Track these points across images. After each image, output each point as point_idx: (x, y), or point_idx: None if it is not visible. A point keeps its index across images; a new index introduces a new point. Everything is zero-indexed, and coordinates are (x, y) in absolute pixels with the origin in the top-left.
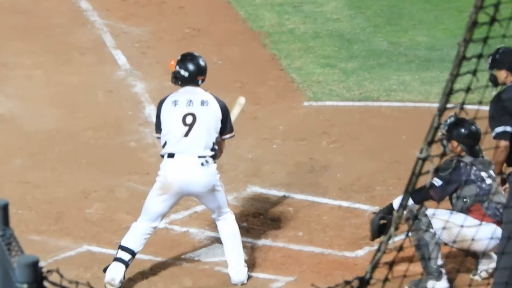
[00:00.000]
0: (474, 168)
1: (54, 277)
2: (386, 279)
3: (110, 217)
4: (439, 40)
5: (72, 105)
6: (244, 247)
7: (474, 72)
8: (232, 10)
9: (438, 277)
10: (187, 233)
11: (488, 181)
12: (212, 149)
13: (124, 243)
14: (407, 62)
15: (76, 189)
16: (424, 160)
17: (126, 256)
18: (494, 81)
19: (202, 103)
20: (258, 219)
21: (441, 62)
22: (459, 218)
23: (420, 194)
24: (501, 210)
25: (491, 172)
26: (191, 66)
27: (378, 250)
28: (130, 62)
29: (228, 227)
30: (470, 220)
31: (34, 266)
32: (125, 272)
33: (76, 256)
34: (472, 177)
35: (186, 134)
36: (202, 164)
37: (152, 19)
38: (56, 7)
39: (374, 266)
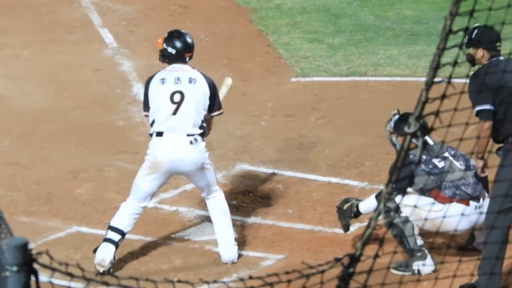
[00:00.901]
0: (424, 157)
1: (44, 259)
2: (376, 256)
3: (99, 197)
4: (426, 14)
5: (60, 84)
6: (234, 225)
7: (460, 46)
8: None
9: (422, 257)
10: (177, 212)
11: (441, 164)
12: (201, 127)
13: (113, 223)
14: (394, 36)
15: (65, 169)
16: (412, 135)
17: (115, 237)
18: (471, 60)
19: (190, 80)
20: (248, 196)
21: (428, 36)
22: (426, 201)
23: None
24: (462, 187)
25: (445, 154)
26: (178, 43)
27: (368, 226)
28: (117, 40)
29: (218, 205)
30: (437, 204)
31: (23, 248)
32: (115, 252)
33: (65, 237)
34: (422, 166)
35: (175, 112)
36: (191, 142)
37: None
38: None
39: (364, 243)
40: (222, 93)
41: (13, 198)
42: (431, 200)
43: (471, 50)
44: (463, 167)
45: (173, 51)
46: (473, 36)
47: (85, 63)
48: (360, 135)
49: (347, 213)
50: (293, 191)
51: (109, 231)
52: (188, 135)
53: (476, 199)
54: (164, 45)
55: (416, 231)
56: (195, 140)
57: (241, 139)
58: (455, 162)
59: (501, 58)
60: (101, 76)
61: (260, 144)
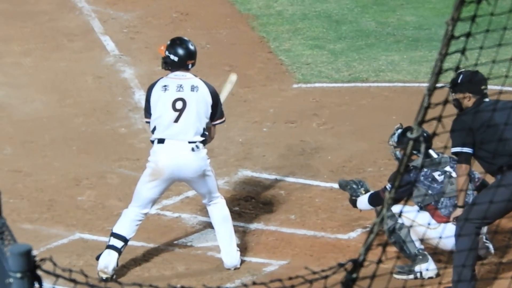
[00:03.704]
0: (425, 169)
1: (47, 266)
2: (379, 261)
3: (101, 204)
4: (427, 19)
5: (62, 92)
6: (237, 231)
7: (463, 51)
8: None
9: (423, 260)
10: (179, 219)
11: (440, 178)
12: (203, 135)
13: (116, 230)
14: (395, 42)
15: (67, 177)
16: (415, 140)
17: (118, 243)
18: (458, 105)
19: (192, 88)
20: (250, 202)
21: (429, 41)
22: (424, 217)
23: (376, 199)
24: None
25: (447, 168)
26: (180, 51)
27: (371, 232)
28: (119, 47)
29: (219, 212)
30: (433, 223)
31: (27, 255)
32: (118, 259)
33: (68, 244)
34: (421, 178)
35: (176, 120)
36: (193, 149)
37: (140, 4)
38: None
39: (367, 248)
40: (226, 90)
41: (15, 205)
42: (427, 218)
43: (457, 95)
44: None
45: (176, 58)
46: (459, 81)
47: (87, 71)
48: (362, 141)
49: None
50: (295, 197)
51: (112, 238)
52: (189, 142)
53: None
54: (167, 53)
55: (415, 237)
56: (197, 147)
57: (243, 145)
58: (455, 176)
59: (487, 100)
60: (102, 83)
61: (262, 151)
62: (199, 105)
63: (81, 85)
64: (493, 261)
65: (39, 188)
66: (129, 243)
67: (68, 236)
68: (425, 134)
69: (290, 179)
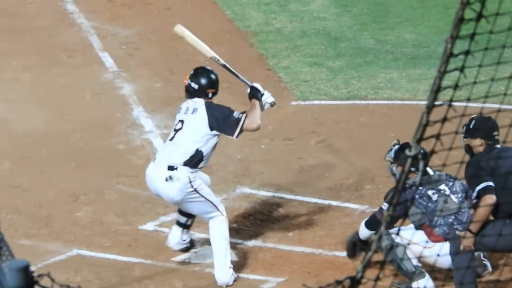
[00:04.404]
0: (421, 188)
1: (44, 281)
2: (377, 279)
3: (99, 220)
4: (426, 37)
5: (60, 108)
6: (235, 248)
7: (461, 69)
8: (218, 10)
9: (420, 275)
10: None
11: (435, 197)
12: (192, 157)
13: None
14: (394, 60)
15: (65, 192)
16: (413, 158)
17: (182, 219)
18: (469, 150)
19: (193, 111)
20: (248, 219)
21: (428, 59)
22: (420, 236)
23: (374, 222)
24: (454, 226)
25: (441, 186)
26: (201, 79)
27: (369, 249)
28: (117, 63)
29: (217, 229)
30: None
31: (25, 271)
32: (182, 232)
33: (66, 260)
34: (417, 196)
35: (172, 139)
36: (166, 179)
37: (139, 20)
38: (43, 9)
39: (366, 265)
40: (195, 43)
41: (13, 220)
42: (424, 237)
43: (469, 141)
44: (460, 199)
45: (196, 87)
46: (471, 126)
47: (85, 87)
48: (360, 158)
49: (356, 250)
50: (293, 214)
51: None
52: (169, 167)
53: None
54: (189, 81)
55: (411, 255)
56: (170, 178)
57: (241, 162)
58: (451, 196)
59: (498, 146)
60: (101, 100)
61: (260, 168)
62: (193, 126)
63: (79, 101)
64: (490, 279)
65: (37, 204)
66: (127, 259)
67: (66, 252)
68: (422, 151)
69: (288, 196)
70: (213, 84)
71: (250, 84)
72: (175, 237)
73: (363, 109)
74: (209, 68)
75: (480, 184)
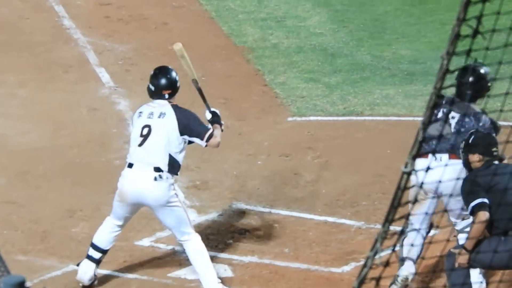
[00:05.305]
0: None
1: None
2: None
3: None
4: (422, 53)
5: (56, 123)
6: (231, 264)
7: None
8: (215, 25)
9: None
10: (173, 251)
11: (439, 115)
12: (170, 163)
13: (94, 240)
14: (390, 76)
15: (62, 208)
16: (408, 174)
17: (96, 254)
18: (467, 165)
19: (160, 115)
20: (244, 236)
21: (424, 75)
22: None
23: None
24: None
25: (453, 113)
26: (155, 80)
27: (365, 265)
28: (114, 79)
29: (193, 248)
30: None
31: (20, 286)
32: (95, 269)
33: (62, 275)
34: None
35: (140, 145)
36: (155, 178)
37: (135, 36)
38: (40, 25)
39: (361, 281)
40: (186, 65)
41: (9, 236)
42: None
43: (468, 156)
44: (453, 130)
45: (152, 88)
46: (470, 141)
47: (82, 102)
48: (356, 174)
49: None
50: (289, 230)
51: (91, 248)
52: (155, 168)
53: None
54: (149, 81)
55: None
56: (160, 177)
57: (238, 178)
58: (451, 121)
59: (496, 162)
60: (97, 115)
61: (257, 183)
62: (164, 132)
63: (76, 117)
64: None
65: (33, 220)
66: (123, 275)
67: (62, 268)
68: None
69: (284, 212)
70: (169, 85)
71: (212, 109)
72: (89, 273)
73: (359, 125)
74: (168, 68)
75: (475, 200)
